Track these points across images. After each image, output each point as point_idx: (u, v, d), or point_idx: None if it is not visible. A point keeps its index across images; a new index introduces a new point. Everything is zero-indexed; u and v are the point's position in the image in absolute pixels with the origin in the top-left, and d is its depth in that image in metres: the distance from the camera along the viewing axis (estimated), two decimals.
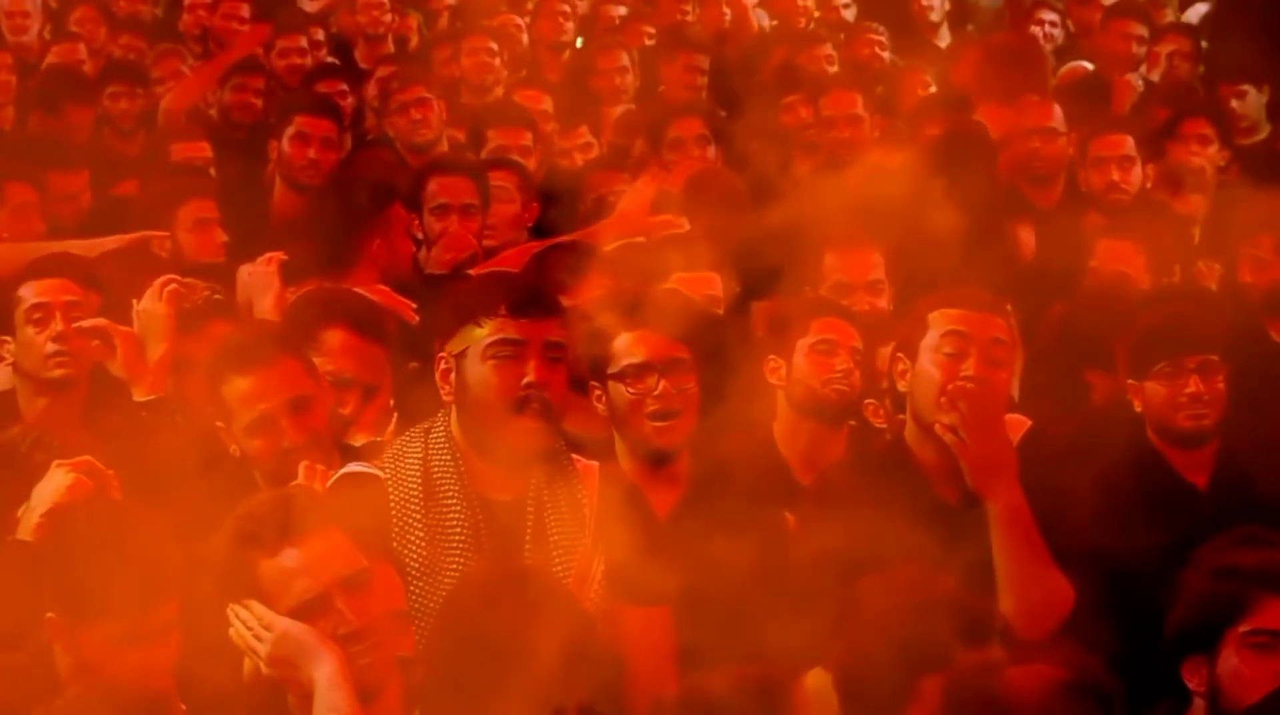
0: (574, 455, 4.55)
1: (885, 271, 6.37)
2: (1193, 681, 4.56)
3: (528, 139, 8.27)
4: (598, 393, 4.88)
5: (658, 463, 4.83)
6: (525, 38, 10.68)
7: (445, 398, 4.47)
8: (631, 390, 4.80)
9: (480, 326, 4.40)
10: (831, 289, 6.31)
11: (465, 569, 4.27)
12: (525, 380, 4.35)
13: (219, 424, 4.69)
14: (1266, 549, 4.52)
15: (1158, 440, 5.50)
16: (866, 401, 5.60)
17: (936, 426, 4.68)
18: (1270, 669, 4.39)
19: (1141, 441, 5.51)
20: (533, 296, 4.49)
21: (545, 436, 4.42)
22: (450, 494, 4.39)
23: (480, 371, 4.39)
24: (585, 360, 4.95)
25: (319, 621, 3.81)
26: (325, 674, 3.73)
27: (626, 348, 4.83)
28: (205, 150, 8.36)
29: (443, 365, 4.46)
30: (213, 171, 8.27)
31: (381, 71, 9.64)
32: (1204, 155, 8.22)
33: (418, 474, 4.40)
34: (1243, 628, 4.49)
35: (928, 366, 4.76)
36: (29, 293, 5.76)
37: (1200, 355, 5.45)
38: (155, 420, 5.22)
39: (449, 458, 4.41)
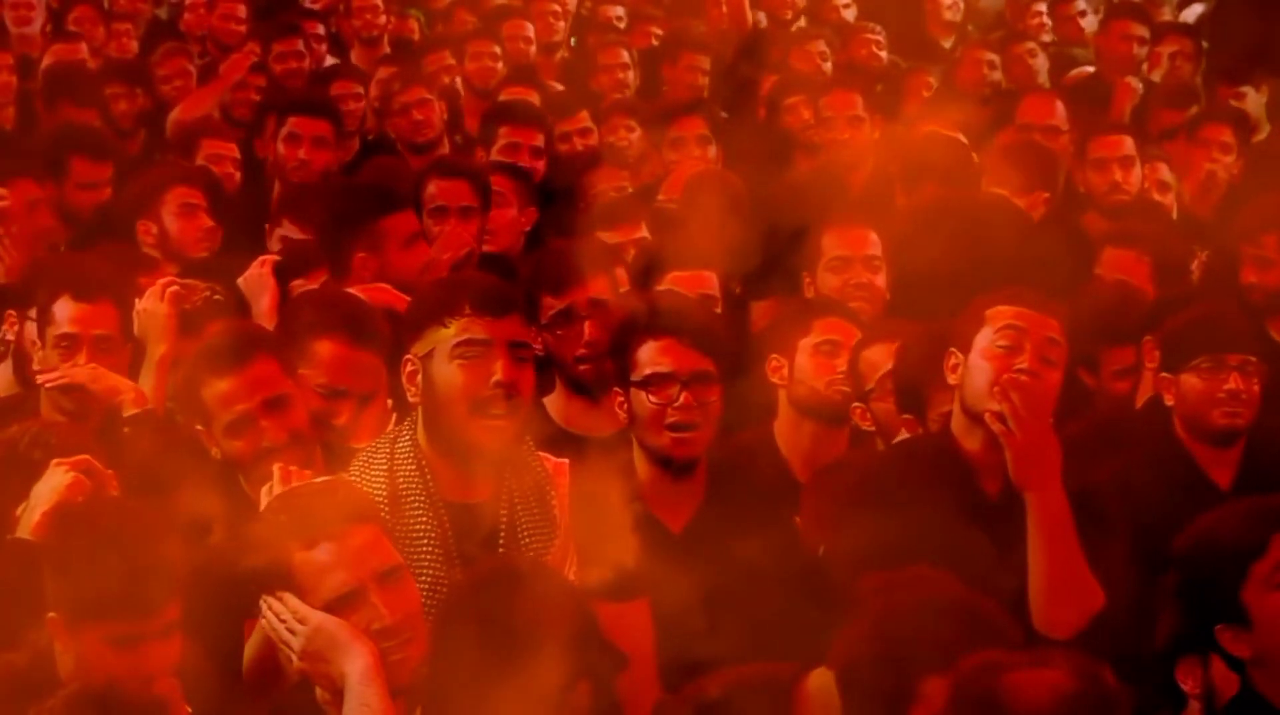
0: (542, 453, 4.53)
1: (882, 250, 6.38)
2: (1187, 684, 4.53)
3: (539, 140, 8.18)
4: (620, 399, 4.84)
5: (673, 470, 4.78)
6: (533, 50, 10.63)
7: (412, 400, 4.43)
8: (654, 399, 4.74)
9: (446, 327, 4.35)
10: (829, 265, 6.33)
11: (436, 576, 4.26)
12: (493, 379, 4.30)
13: (199, 427, 4.68)
14: None
15: (1185, 436, 5.50)
16: (854, 405, 5.58)
17: (986, 415, 4.68)
18: None
19: (1168, 436, 5.51)
20: (498, 296, 4.43)
21: (513, 436, 4.38)
22: (417, 502, 4.35)
23: (447, 372, 4.34)
24: (611, 362, 4.94)
25: (353, 616, 3.81)
26: (358, 669, 3.72)
27: (651, 357, 4.78)
28: (233, 150, 8.23)
29: (409, 367, 4.41)
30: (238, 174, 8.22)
31: (382, 73, 9.64)
32: (1223, 163, 8.25)
33: (383, 482, 4.35)
34: None
35: (981, 359, 4.77)
36: (62, 315, 5.37)
37: (1243, 354, 5.45)
38: (141, 433, 5.19)
39: (414, 465, 4.37)
